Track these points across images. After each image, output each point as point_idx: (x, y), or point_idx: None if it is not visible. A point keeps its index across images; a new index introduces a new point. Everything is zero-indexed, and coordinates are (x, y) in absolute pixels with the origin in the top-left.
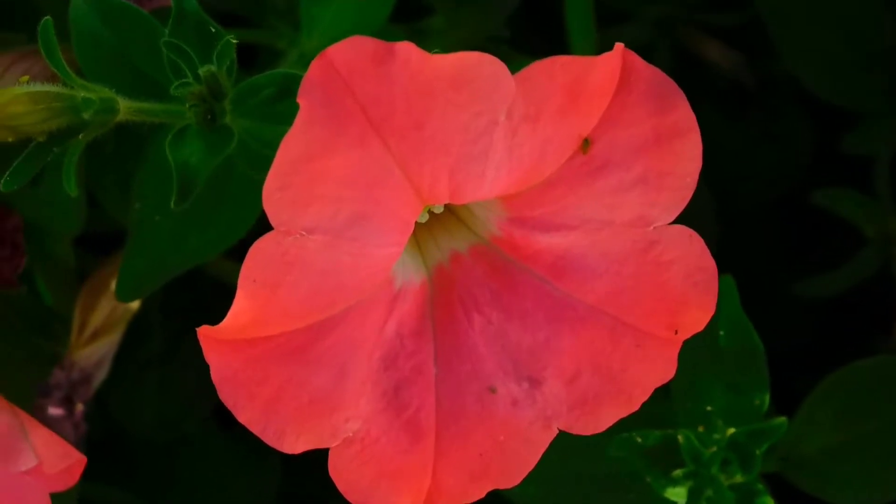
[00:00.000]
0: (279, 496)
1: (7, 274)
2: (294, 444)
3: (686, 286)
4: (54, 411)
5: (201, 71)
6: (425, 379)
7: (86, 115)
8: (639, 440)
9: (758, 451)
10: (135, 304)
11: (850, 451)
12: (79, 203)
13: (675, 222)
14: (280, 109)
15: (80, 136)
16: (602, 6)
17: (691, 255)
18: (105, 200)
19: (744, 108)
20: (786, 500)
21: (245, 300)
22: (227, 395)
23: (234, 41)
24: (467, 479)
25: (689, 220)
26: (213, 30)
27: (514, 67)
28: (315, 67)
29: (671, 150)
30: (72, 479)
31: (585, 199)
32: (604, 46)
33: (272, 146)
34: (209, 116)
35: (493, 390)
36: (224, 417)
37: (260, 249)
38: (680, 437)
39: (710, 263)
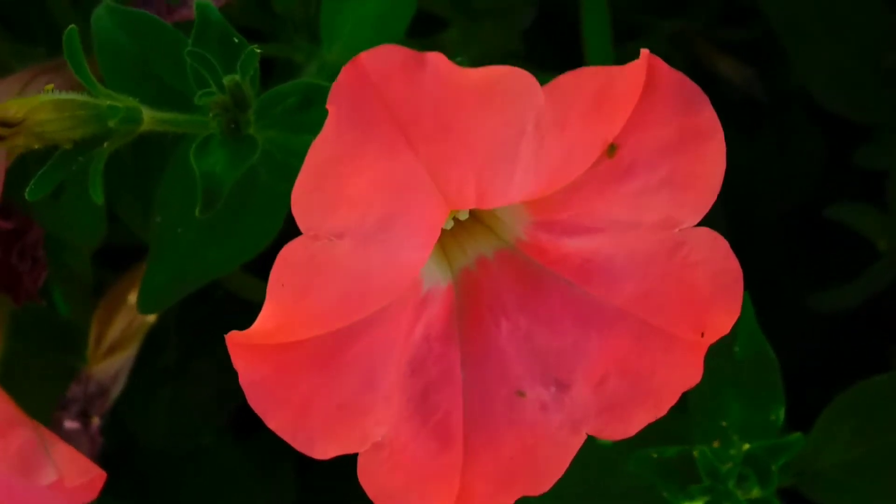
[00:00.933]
0: None
1: (28, 286)
2: (324, 449)
3: (712, 288)
4: (71, 425)
5: (225, 80)
6: (453, 383)
7: (111, 124)
8: (655, 456)
9: (774, 467)
10: (151, 318)
11: (866, 465)
12: (99, 216)
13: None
14: (303, 119)
15: (105, 145)
16: (617, 21)
17: (717, 256)
18: (124, 214)
19: (756, 122)
20: None
21: (274, 305)
22: (255, 401)
23: (258, 51)
24: (497, 485)
25: None
26: (237, 40)
27: None
28: (346, 73)
29: (696, 152)
30: (92, 494)
31: (612, 202)
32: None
33: (296, 156)
34: (233, 126)
35: (521, 394)
36: (238, 429)
37: (289, 254)
38: (696, 453)
39: (735, 265)
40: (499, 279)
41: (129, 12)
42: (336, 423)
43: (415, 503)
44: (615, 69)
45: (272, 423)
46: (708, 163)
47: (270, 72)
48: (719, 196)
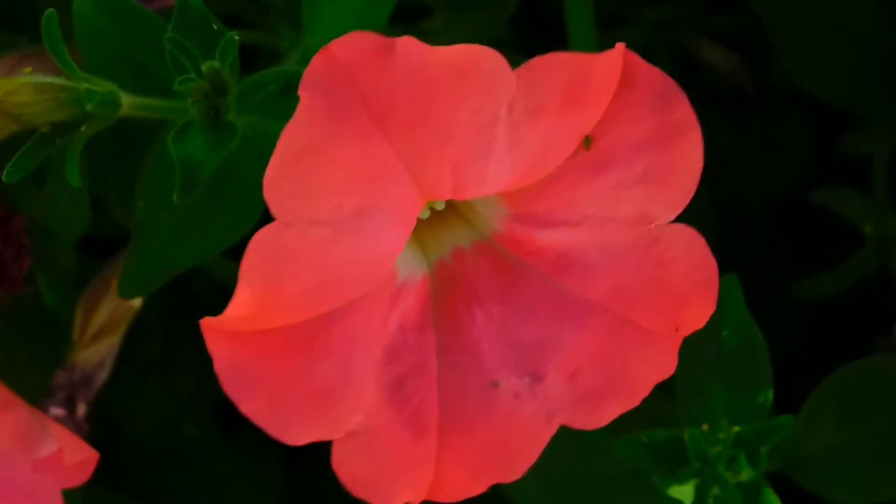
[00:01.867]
0: (281, 499)
1: (13, 275)
2: (298, 435)
3: (687, 284)
4: (56, 412)
5: (204, 67)
6: (428, 373)
7: (89, 107)
8: (644, 439)
9: (763, 450)
10: (136, 305)
11: (852, 450)
12: (83, 205)
13: (676, 222)
14: (284, 106)
15: (83, 128)
16: (601, 9)
17: (692, 252)
18: (108, 203)
19: (742, 110)
20: (789, 498)
21: (246, 291)
22: (230, 386)
23: (237, 38)
24: (469, 473)
25: (690, 222)
26: (216, 27)
27: (515, 68)
28: (318, 60)
29: (673, 148)
30: (84, 475)
31: (588, 196)
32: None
33: (275, 142)
34: (212, 113)
35: (495, 385)
36: (225, 420)
37: (260, 241)
38: (685, 436)
39: (711, 262)
40: (475, 270)
41: None
42: (310, 410)
43: (389, 490)
44: (589, 56)
45: (245, 409)
46: (685, 159)
47: (256, 59)
48: (707, 184)
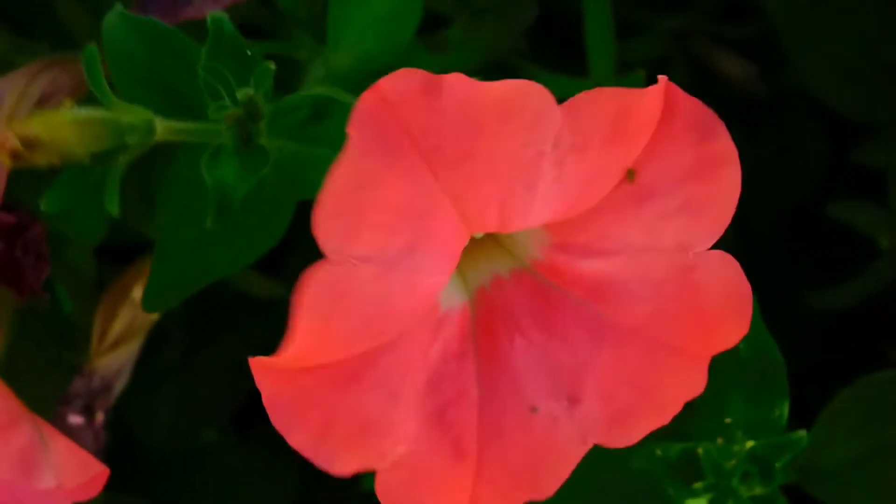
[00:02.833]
0: (296, 502)
1: (31, 282)
2: (344, 466)
3: (722, 308)
4: (74, 420)
5: (240, 94)
6: (468, 400)
7: (129, 140)
8: (659, 453)
9: (778, 464)
10: (155, 315)
11: (868, 461)
12: (102, 213)
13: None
14: (314, 131)
15: (121, 158)
16: (618, 18)
17: (728, 278)
18: (126, 212)
19: (757, 119)
20: None
21: (301, 329)
22: (279, 422)
23: (273, 67)
24: (504, 492)
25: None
26: (250, 53)
27: (535, 81)
28: (366, 99)
29: (713, 179)
30: (94, 491)
31: (628, 226)
32: (621, 58)
33: (307, 166)
34: (245, 137)
35: (534, 409)
36: (241, 426)
37: (313, 280)
38: (700, 450)
39: (746, 287)
40: (514, 298)
41: (141, 21)
42: (356, 442)
43: None
44: (633, 92)
45: (294, 442)
46: (723, 188)
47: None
48: None
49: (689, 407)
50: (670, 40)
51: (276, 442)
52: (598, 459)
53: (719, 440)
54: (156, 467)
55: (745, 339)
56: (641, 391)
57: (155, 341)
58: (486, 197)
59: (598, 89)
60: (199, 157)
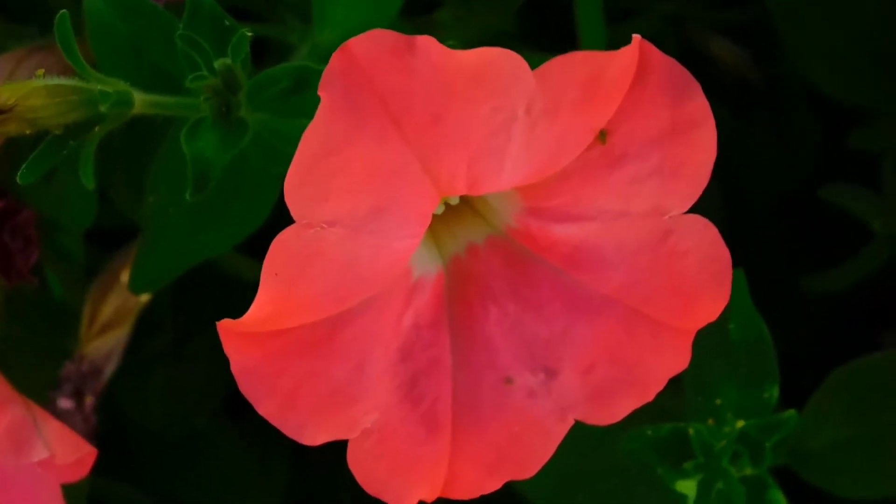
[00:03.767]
0: (288, 490)
1: (21, 266)
2: (314, 436)
3: (701, 276)
4: (64, 404)
5: (216, 64)
6: (442, 370)
7: (103, 108)
8: (650, 433)
9: (768, 444)
10: (144, 298)
11: (858, 445)
12: (90, 197)
13: (689, 213)
14: (295, 102)
15: (97, 129)
16: (609, 2)
17: (706, 244)
18: (115, 195)
19: (750, 104)
20: (793, 493)
21: (267, 293)
22: (246, 388)
23: (249, 34)
24: (483, 470)
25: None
26: (228, 23)
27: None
28: (336, 60)
29: (687, 141)
30: (82, 471)
31: (602, 190)
32: (613, 41)
33: (287, 139)
34: (224, 109)
35: (509, 381)
36: (233, 412)
37: (281, 243)
38: (690, 430)
39: (725, 253)
40: (488, 266)
41: None
42: (326, 409)
43: (403, 488)
44: (606, 54)
45: (262, 409)
46: (699, 151)
47: (265, 53)
48: (715, 178)
49: (679, 388)
50: (662, 25)
51: (269, 429)
52: (584, 440)
53: (710, 421)
54: (147, 454)
55: (735, 320)
56: (622, 365)
57: (146, 327)
58: (455, 159)
59: (571, 53)
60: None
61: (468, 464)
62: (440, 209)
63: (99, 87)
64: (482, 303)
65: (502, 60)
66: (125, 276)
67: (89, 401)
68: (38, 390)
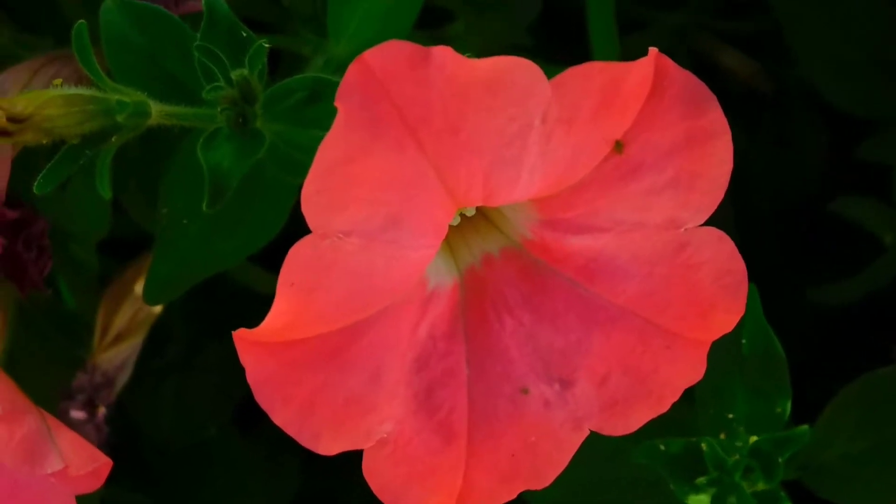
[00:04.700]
0: (297, 498)
1: (34, 276)
2: (329, 445)
3: (716, 288)
4: (76, 414)
5: (234, 75)
6: (457, 381)
7: (119, 118)
8: (662, 448)
9: (780, 459)
10: (157, 309)
11: (870, 458)
12: (104, 207)
13: (704, 226)
14: (310, 114)
15: (113, 139)
16: (621, 14)
17: (721, 257)
18: (129, 205)
19: (760, 115)
20: None
21: (283, 303)
22: (262, 398)
23: (266, 45)
24: (498, 480)
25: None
26: (245, 34)
27: None
28: (353, 71)
29: (703, 153)
30: (97, 482)
31: (618, 202)
32: (624, 54)
33: (303, 150)
34: (241, 120)
35: (524, 391)
36: (243, 422)
37: (298, 252)
38: (703, 445)
39: (740, 266)
40: (504, 277)
41: (138, 6)
42: (341, 419)
43: (417, 498)
44: (623, 65)
45: (278, 420)
46: (715, 163)
47: (277, 64)
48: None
49: (691, 402)
50: (673, 36)
51: (279, 438)
52: (598, 452)
53: (722, 435)
54: (158, 463)
55: (747, 334)
56: (636, 376)
57: (158, 337)
58: (472, 170)
59: (588, 63)
60: (197, 146)
61: (483, 474)
62: (456, 220)
63: (116, 97)
64: (497, 314)
65: (518, 69)
66: (139, 287)
67: (101, 411)
68: (49, 399)
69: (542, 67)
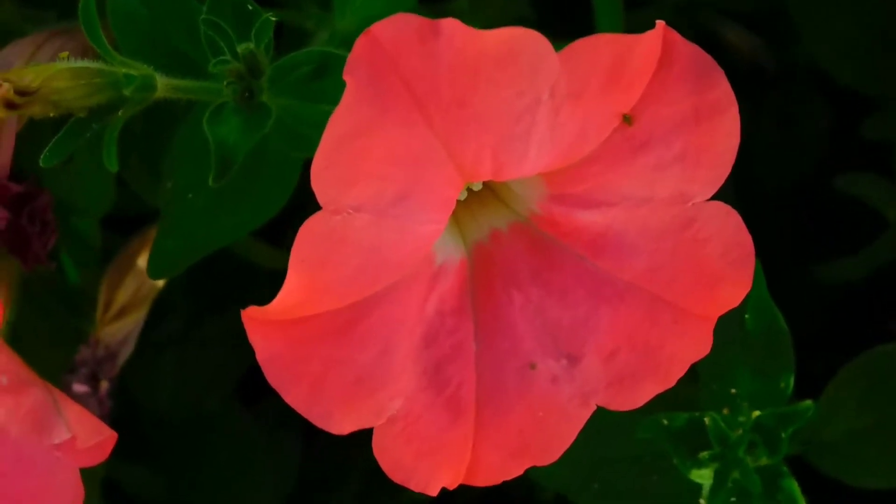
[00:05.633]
0: (300, 471)
1: (37, 251)
2: (341, 423)
3: (723, 262)
4: (79, 388)
5: (240, 48)
6: (465, 356)
7: (126, 92)
8: (665, 423)
9: (784, 434)
10: (160, 283)
11: (873, 435)
12: (108, 182)
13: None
14: (317, 87)
15: (120, 112)
16: None
17: (728, 231)
18: (131, 180)
19: (763, 92)
20: (808, 483)
21: (295, 280)
22: (273, 376)
23: (273, 19)
24: (506, 455)
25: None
26: (251, 8)
27: None
28: (360, 45)
29: (711, 127)
30: (102, 455)
31: (625, 176)
32: (628, 29)
33: (309, 124)
34: (247, 94)
35: (532, 367)
36: (245, 396)
37: (309, 229)
38: (707, 420)
39: (747, 239)
40: (512, 252)
41: None
42: (352, 397)
43: (428, 474)
44: (630, 38)
45: (290, 398)
46: (722, 137)
47: (280, 38)
48: None
49: (695, 378)
50: (676, 12)
51: (280, 412)
52: (601, 428)
53: (725, 410)
54: (160, 437)
55: (751, 310)
56: (643, 351)
57: (159, 311)
58: (480, 144)
59: (595, 36)
60: (203, 120)
61: (491, 449)
62: (463, 195)
63: (123, 70)
64: (505, 289)
65: (527, 41)
66: (142, 262)
67: (104, 385)
68: (53, 373)
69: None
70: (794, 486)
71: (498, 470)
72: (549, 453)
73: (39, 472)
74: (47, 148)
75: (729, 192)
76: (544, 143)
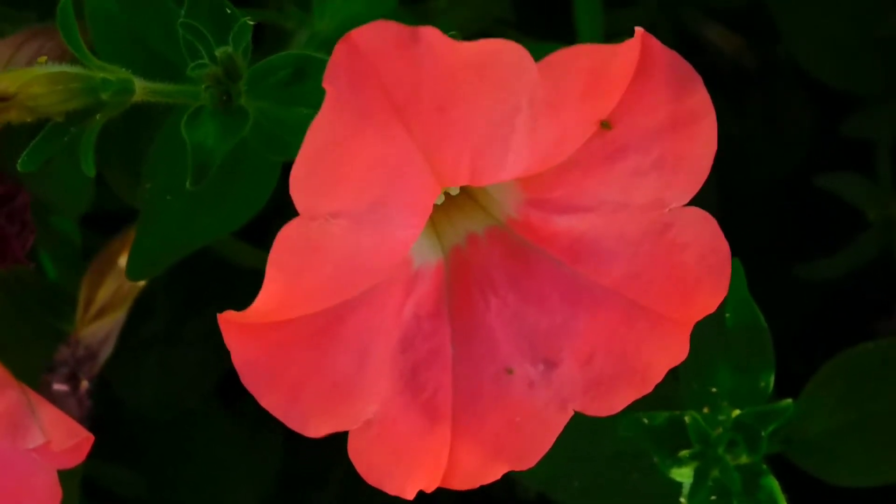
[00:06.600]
0: (280, 472)
1: (16, 250)
2: (318, 428)
3: (700, 269)
4: (59, 388)
5: (218, 52)
6: (442, 361)
7: (104, 96)
8: (646, 421)
9: (764, 433)
10: (141, 283)
11: (853, 433)
12: (87, 182)
13: (688, 206)
14: (295, 90)
15: (98, 117)
16: None
17: (705, 237)
18: (111, 179)
19: (745, 91)
20: (788, 481)
21: (272, 286)
22: (249, 381)
23: (251, 23)
24: (483, 460)
25: (692, 203)
26: (229, 11)
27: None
28: (340, 51)
29: (688, 134)
30: (79, 457)
31: (603, 182)
32: (609, 28)
33: (287, 127)
34: (225, 98)
35: (509, 372)
36: (226, 396)
37: (286, 236)
38: (687, 418)
39: (724, 246)
40: (489, 257)
41: None
42: (328, 401)
43: (403, 478)
44: (609, 47)
45: (266, 403)
46: (699, 144)
47: (261, 39)
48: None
49: (675, 376)
50: (658, 10)
51: (262, 412)
52: (582, 426)
53: (705, 409)
54: (141, 436)
55: (731, 308)
56: (621, 357)
57: (139, 310)
58: (458, 151)
59: (576, 46)
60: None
61: (468, 453)
62: (441, 199)
63: (101, 75)
64: (482, 294)
65: (506, 52)
66: (122, 261)
67: (84, 385)
68: (32, 373)
69: (526, 45)
70: (775, 485)
71: (475, 474)
72: (526, 458)
73: (15, 474)
74: (25, 152)
75: (711, 191)
76: (522, 149)
